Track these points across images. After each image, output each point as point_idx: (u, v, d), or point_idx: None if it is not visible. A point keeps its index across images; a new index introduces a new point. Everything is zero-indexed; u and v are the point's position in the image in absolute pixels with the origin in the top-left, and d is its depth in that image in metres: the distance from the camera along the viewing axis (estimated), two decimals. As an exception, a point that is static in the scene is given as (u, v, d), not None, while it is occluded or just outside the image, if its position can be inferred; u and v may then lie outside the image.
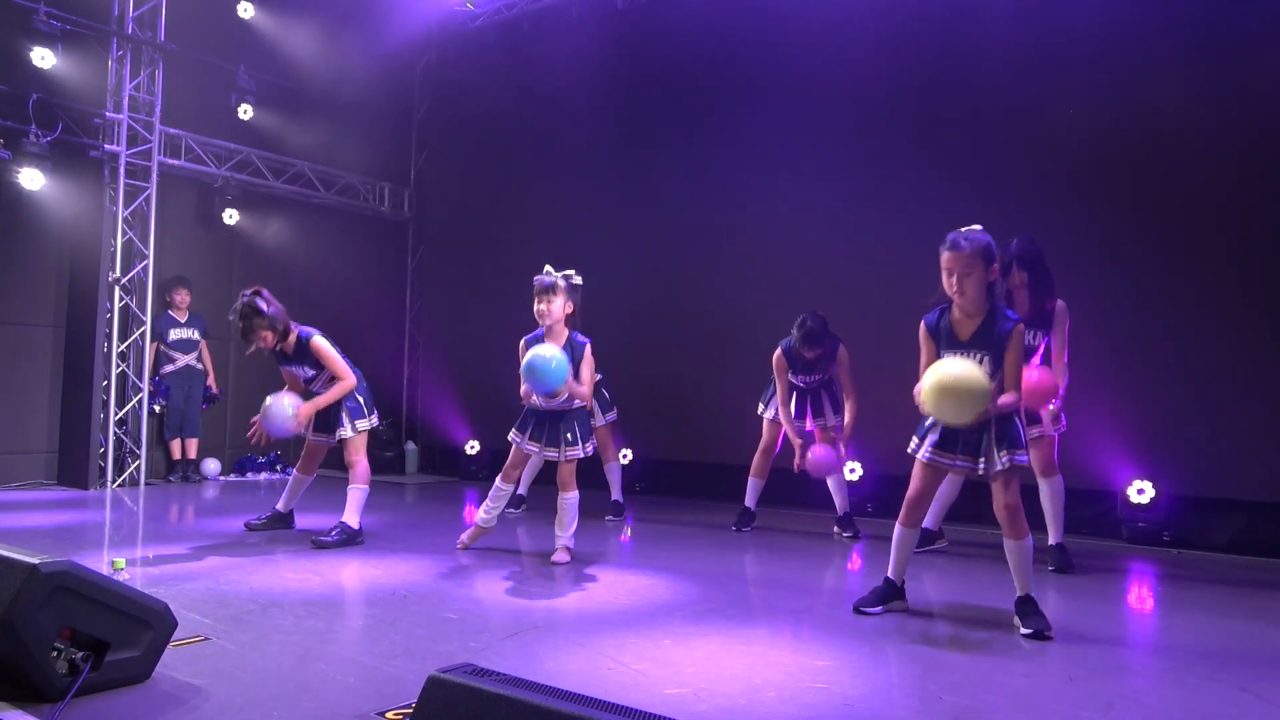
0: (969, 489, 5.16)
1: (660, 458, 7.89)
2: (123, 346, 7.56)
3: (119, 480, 7.43)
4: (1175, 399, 5.64)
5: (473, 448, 8.98)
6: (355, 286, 9.23)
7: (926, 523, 5.11)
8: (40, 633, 2.35)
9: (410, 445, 9.61)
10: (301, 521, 5.55)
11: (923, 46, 6.69)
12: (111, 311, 7.45)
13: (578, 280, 4.68)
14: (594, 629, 3.37)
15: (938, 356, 3.51)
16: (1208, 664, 3.10)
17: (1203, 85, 5.65)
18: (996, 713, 2.56)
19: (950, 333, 3.54)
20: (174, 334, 7.99)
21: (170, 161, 7.98)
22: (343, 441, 5.12)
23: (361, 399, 5.16)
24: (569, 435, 4.63)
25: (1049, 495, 4.73)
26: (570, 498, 4.71)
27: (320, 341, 5.07)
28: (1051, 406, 4.53)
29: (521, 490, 6.47)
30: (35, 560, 2.38)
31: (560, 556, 4.66)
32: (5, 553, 2.46)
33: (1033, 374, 4.28)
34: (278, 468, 8.79)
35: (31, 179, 7.01)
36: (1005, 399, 3.41)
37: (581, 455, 4.66)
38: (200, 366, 8.14)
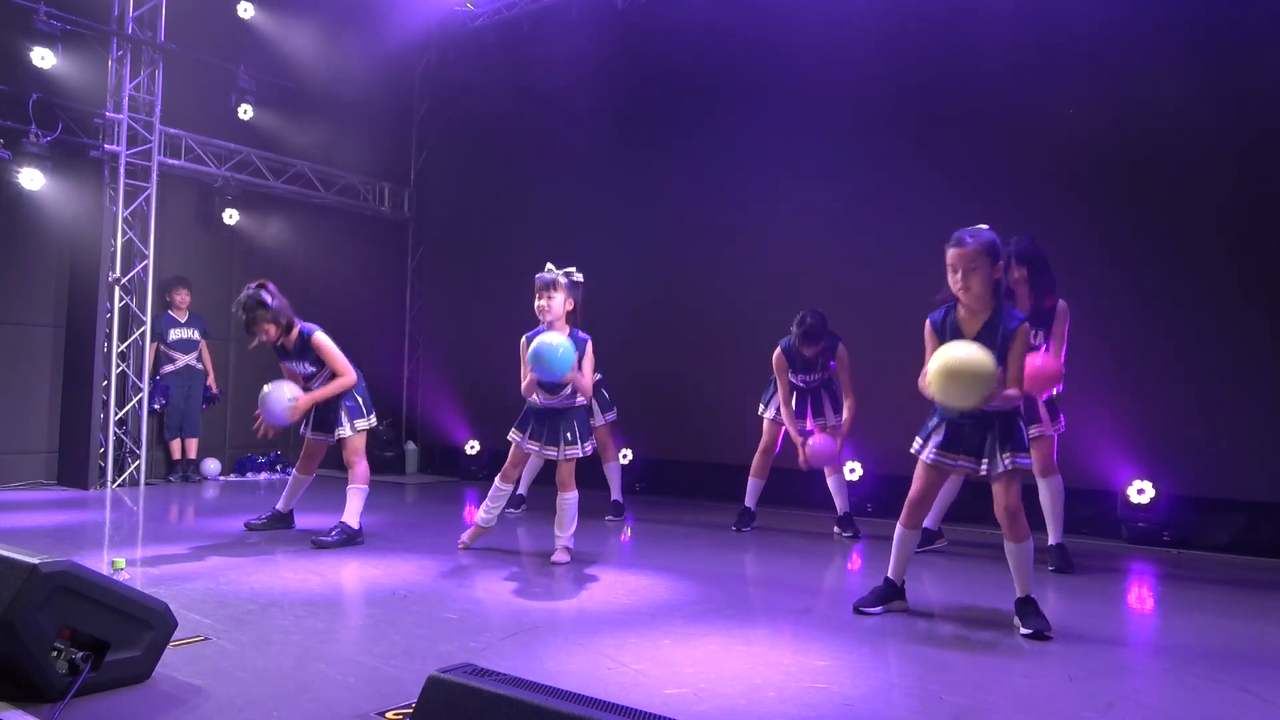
0: (968, 489, 5.16)
1: (660, 458, 7.89)
2: (123, 346, 7.56)
3: (119, 480, 7.43)
4: (1175, 399, 5.64)
5: (473, 448, 8.98)
6: (355, 286, 9.23)
7: (926, 523, 5.11)
8: (40, 633, 2.35)
9: (410, 445, 9.61)
10: (301, 521, 5.55)
11: (923, 46, 6.69)
12: (111, 311, 7.45)
13: (579, 277, 4.69)
14: (594, 629, 3.37)
15: None
16: (1208, 664, 3.10)
17: (1203, 85, 5.65)
18: (996, 713, 2.56)
19: (955, 330, 3.53)
20: (174, 334, 7.99)
21: (170, 161, 7.98)
22: (341, 441, 5.12)
23: (360, 399, 5.16)
24: (568, 434, 4.63)
25: (1048, 495, 4.73)
26: (570, 498, 4.71)
27: (322, 337, 5.07)
28: (1055, 391, 4.51)
29: (521, 490, 6.47)
30: (35, 560, 2.38)
31: (560, 557, 4.66)
32: (5, 553, 2.46)
33: (1036, 359, 4.27)
34: (278, 468, 8.79)
35: (31, 179, 7.01)
36: (1009, 392, 3.40)
37: (580, 455, 4.66)
38: (200, 366, 8.14)
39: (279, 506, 5.44)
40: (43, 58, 6.90)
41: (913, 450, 3.65)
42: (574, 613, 3.65)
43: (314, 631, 3.23)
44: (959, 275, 3.48)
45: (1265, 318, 5.42)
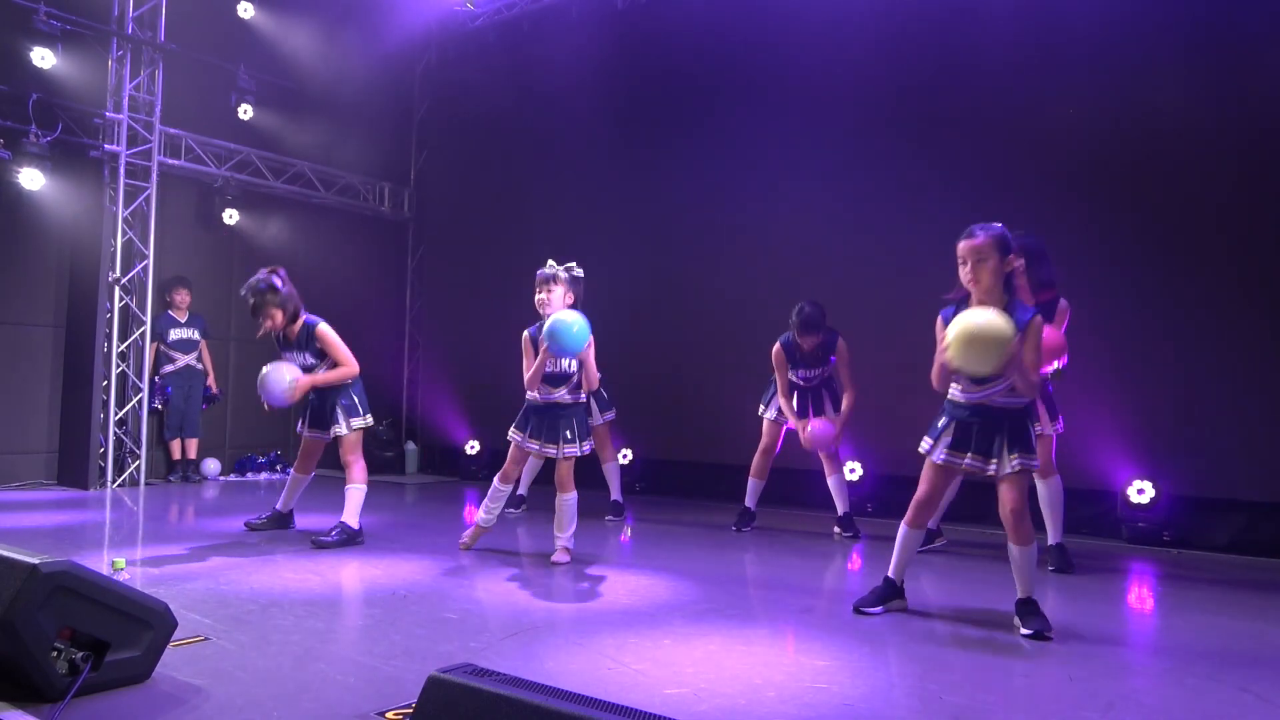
0: (969, 489, 5.16)
1: (660, 458, 7.89)
2: (123, 346, 7.56)
3: (119, 480, 7.43)
4: (1175, 399, 5.64)
5: (473, 448, 8.98)
6: (355, 286, 9.22)
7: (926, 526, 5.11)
8: (40, 633, 2.35)
9: (410, 445, 9.61)
10: (301, 521, 5.55)
11: (923, 46, 6.69)
12: (111, 311, 7.45)
13: (579, 273, 4.71)
14: (594, 629, 3.37)
15: None
16: (1208, 664, 3.10)
17: (1203, 85, 5.65)
18: (996, 713, 2.56)
19: None
20: (174, 334, 7.99)
21: (170, 161, 7.99)
22: (338, 440, 5.11)
23: (357, 398, 5.15)
24: (568, 433, 4.63)
25: (1048, 495, 4.73)
26: (569, 498, 4.71)
27: (327, 329, 5.08)
28: (1056, 365, 4.48)
29: (521, 490, 6.48)
30: (35, 560, 2.38)
31: (560, 557, 4.66)
32: (5, 553, 2.46)
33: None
34: (277, 468, 8.79)
35: (31, 179, 7.01)
36: (1028, 371, 3.37)
37: (579, 454, 4.67)
38: (200, 366, 8.14)
39: (279, 506, 5.44)
40: (43, 58, 6.90)
41: (921, 450, 3.63)
42: (574, 613, 3.65)
43: (314, 631, 3.23)
44: (969, 268, 3.47)
45: (1265, 318, 5.42)
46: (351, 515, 5.04)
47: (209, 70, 8.25)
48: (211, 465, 8.35)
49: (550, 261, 4.70)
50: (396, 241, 10.15)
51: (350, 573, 4.37)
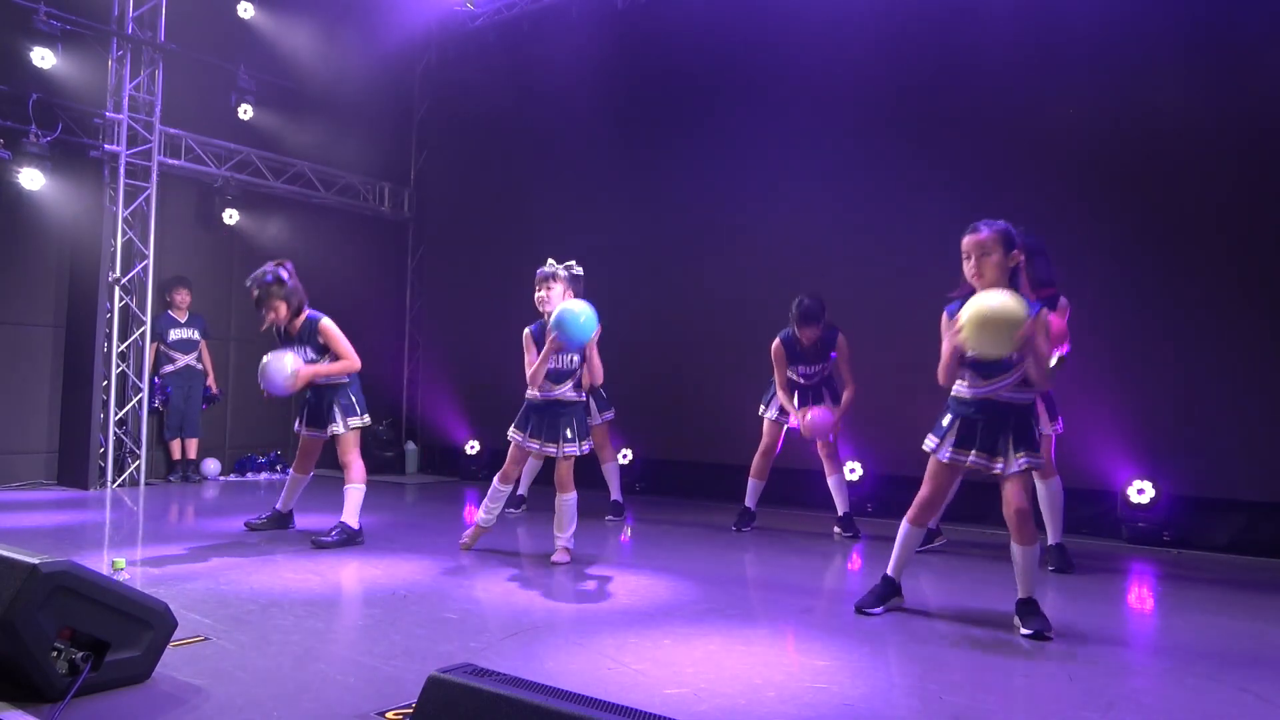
0: (969, 489, 5.15)
1: (660, 458, 7.89)
2: (123, 346, 7.56)
3: (119, 480, 7.43)
4: (1175, 399, 5.64)
5: (473, 448, 8.98)
6: (355, 286, 9.22)
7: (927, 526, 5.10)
8: (40, 633, 2.35)
9: (410, 445, 9.61)
10: (301, 521, 5.55)
11: (923, 46, 6.69)
12: (111, 311, 7.45)
13: (578, 271, 4.72)
14: (594, 629, 3.37)
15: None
16: (1208, 664, 3.10)
17: (1203, 85, 5.65)
18: (996, 713, 2.56)
19: None
20: (174, 334, 7.99)
21: (170, 161, 7.99)
22: (335, 439, 5.11)
23: (354, 398, 5.14)
24: (568, 432, 4.63)
25: (1047, 496, 4.72)
26: (569, 499, 4.71)
27: (330, 323, 5.08)
28: (1059, 354, 4.46)
29: (521, 491, 6.48)
30: (35, 560, 2.38)
31: (560, 557, 4.66)
32: (5, 553, 2.46)
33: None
34: (277, 468, 8.79)
35: (31, 179, 7.01)
36: (1041, 357, 3.36)
37: (579, 453, 4.67)
38: (200, 367, 8.14)
39: (279, 506, 5.44)
40: (43, 58, 6.90)
41: (926, 448, 3.61)
42: (574, 613, 3.65)
43: (314, 631, 3.23)
44: (972, 262, 3.47)
45: (1265, 318, 5.42)
46: (351, 515, 5.04)
47: (209, 70, 8.25)
48: (211, 465, 8.35)
49: (550, 260, 4.72)
50: (396, 241, 10.15)
51: (350, 573, 4.37)
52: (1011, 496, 3.47)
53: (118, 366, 7.51)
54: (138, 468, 7.54)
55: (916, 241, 6.43)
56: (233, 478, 8.51)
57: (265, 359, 4.88)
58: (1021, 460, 3.43)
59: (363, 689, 2.61)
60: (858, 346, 5.75)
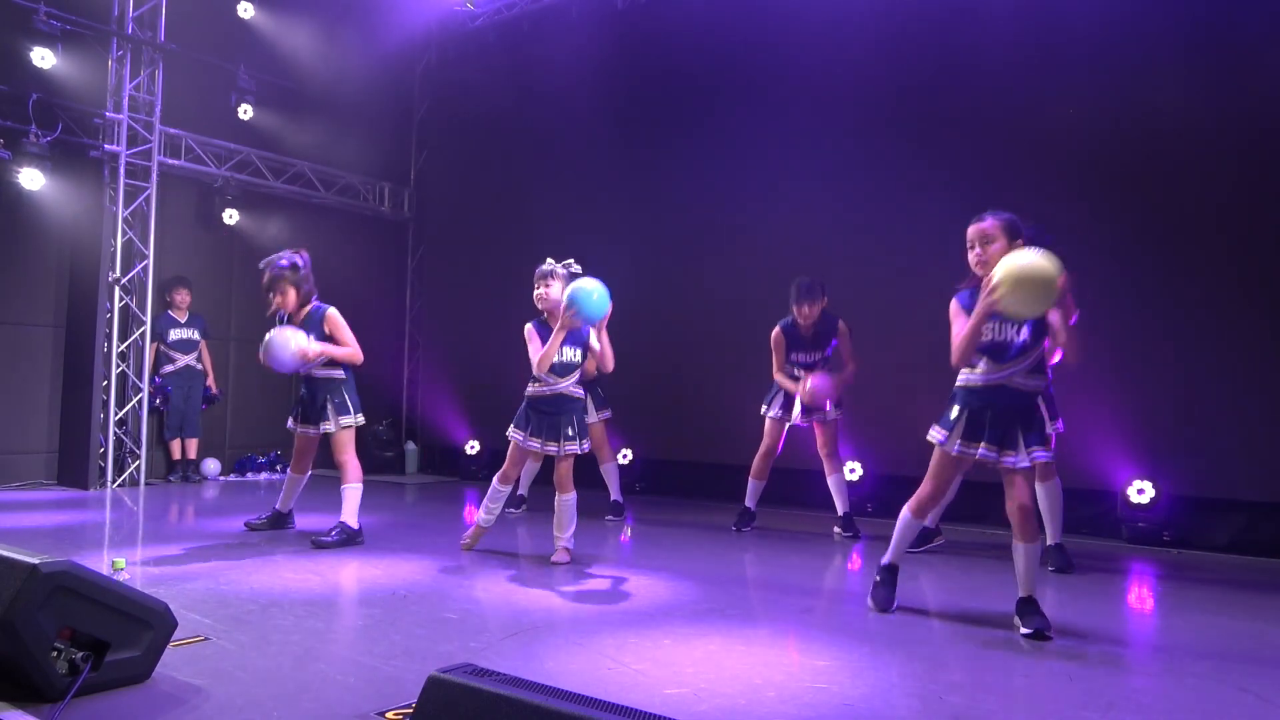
0: (969, 489, 5.15)
1: (660, 458, 7.89)
2: (123, 346, 7.56)
3: (119, 480, 7.43)
4: (1175, 399, 5.64)
5: (473, 448, 8.98)
6: (355, 286, 9.20)
7: (925, 520, 5.10)
8: (40, 633, 2.35)
9: (410, 445, 9.61)
10: (301, 521, 5.55)
11: (923, 46, 6.69)
12: (111, 311, 7.45)
13: (577, 269, 4.73)
14: (594, 629, 3.37)
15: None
16: (1208, 664, 3.10)
17: (1203, 85, 5.65)
18: (996, 713, 2.56)
19: None
20: (174, 334, 7.99)
21: (170, 161, 7.99)
22: (329, 439, 5.10)
23: (348, 397, 5.13)
24: (569, 430, 4.64)
25: (1047, 496, 4.72)
26: (568, 499, 4.71)
27: (337, 314, 5.09)
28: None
29: (521, 491, 6.48)
30: (35, 560, 2.38)
31: (560, 557, 4.66)
32: (5, 553, 2.46)
33: None
34: (277, 468, 8.79)
35: (31, 179, 7.01)
36: (1068, 327, 3.34)
37: (579, 452, 4.67)
38: (200, 367, 8.14)
39: (278, 506, 5.44)
40: (43, 58, 6.90)
41: (932, 440, 3.57)
42: (574, 613, 3.65)
43: (314, 631, 3.23)
44: (976, 250, 3.47)
45: (1265, 318, 5.42)
46: (350, 515, 5.03)
47: (209, 70, 8.25)
48: (211, 465, 8.35)
49: (549, 259, 4.74)
50: (396, 241, 10.15)
51: (350, 573, 4.37)
52: (1017, 492, 3.45)
53: (118, 366, 7.51)
54: (138, 468, 7.54)
55: (916, 241, 6.43)
56: (233, 478, 8.51)
57: (269, 335, 4.89)
58: (1037, 454, 3.41)
59: (363, 689, 2.61)
60: (858, 347, 5.76)
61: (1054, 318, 3.38)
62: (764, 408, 5.89)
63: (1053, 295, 3.18)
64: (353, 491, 5.08)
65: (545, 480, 5.59)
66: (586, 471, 5.80)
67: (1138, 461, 5.68)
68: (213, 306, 8.46)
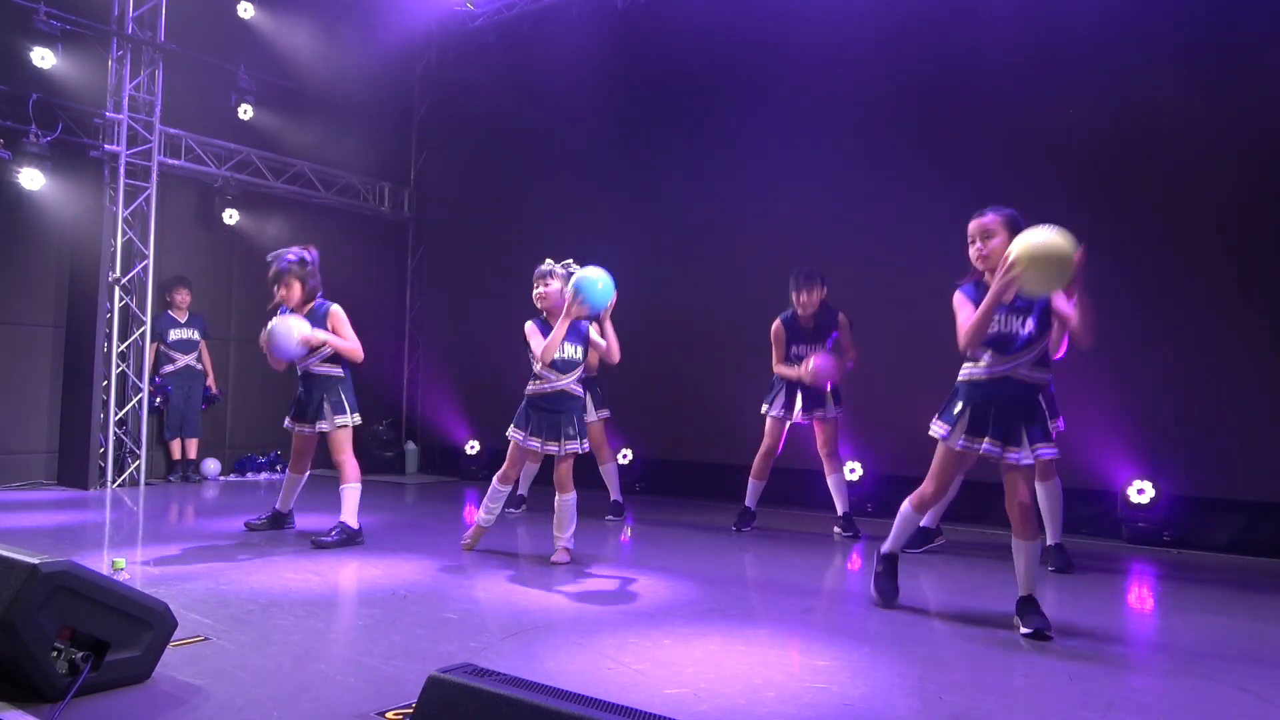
0: (969, 489, 5.15)
1: (660, 458, 7.89)
2: (123, 346, 7.56)
3: (119, 480, 7.43)
4: (1175, 399, 5.64)
5: (473, 448, 8.98)
6: (355, 286, 9.18)
7: (926, 520, 5.11)
8: (40, 633, 2.35)
9: (410, 445, 9.61)
10: (301, 521, 5.55)
11: (923, 46, 6.69)
12: (111, 311, 7.45)
13: (576, 268, 4.73)
14: (594, 629, 3.37)
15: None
16: (1208, 664, 3.10)
17: (1203, 85, 5.65)
18: (996, 713, 2.56)
19: None
20: (174, 334, 7.99)
21: (170, 161, 7.99)
22: (326, 439, 5.10)
23: (345, 396, 5.12)
24: (569, 430, 4.64)
25: (1047, 496, 4.72)
26: (568, 499, 4.71)
27: (340, 310, 5.10)
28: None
29: (521, 491, 6.48)
30: (35, 560, 2.38)
31: (560, 557, 4.66)
32: (5, 553, 2.46)
33: None
34: (277, 468, 8.79)
35: (31, 179, 7.01)
36: (1086, 305, 3.33)
37: (580, 451, 4.67)
38: (200, 367, 8.14)
39: (278, 506, 5.44)
40: (43, 58, 6.90)
41: (935, 435, 3.55)
42: (574, 613, 3.65)
43: (314, 631, 3.23)
44: (978, 245, 3.47)
45: (1265, 318, 5.42)
46: (350, 515, 5.03)
47: (209, 70, 8.25)
48: (211, 465, 8.35)
49: (548, 260, 4.75)
50: (396, 241, 10.15)
51: (350, 573, 4.37)
52: (1018, 489, 3.44)
53: (118, 366, 7.51)
54: (138, 468, 7.54)
55: (916, 241, 6.43)
56: (233, 478, 8.51)
57: (271, 323, 4.89)
58: (1042, 450, 3.41)
59: (363, 689, 2.61)
60: (858, 345, 5.75)
61: (1061, 305, 3.38)
62: (765, 406, 5.89)
63: (1069, 271, 3.16)
64: (351, 491, 5.08)
65: (545, 480, 5.59)
66: (586, 471, 5.81)
67: (1138, 461, 5.68)
68: (213, 306, 8.47)
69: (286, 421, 5.22)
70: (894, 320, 6.40)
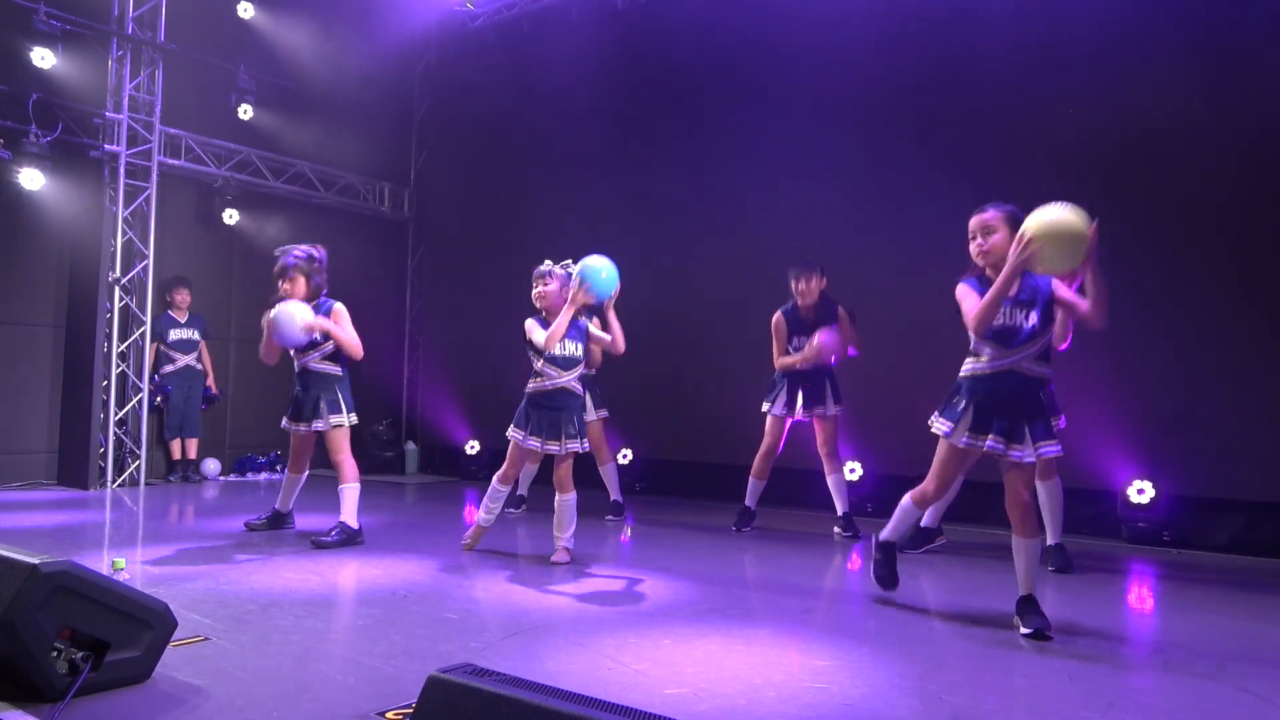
0: (969, 489, 5.15)
1: (660, 458, 7.89)
2: (123, 346, 7.56)
3: (119, 480, 7.43)
4: (1175, 399, 5.64)
5: (473, 448, 8.98)
6: (355, 286, 9.16)
7: (926, 521, 5.12)
8: (40, 633, 2.35)
9: (410, 445, 9.61)
10: (301, 522, 5.55)
11: (923, 46, 6.69)
12: (111, 311, 7.45)
13: (575, 269, 4.73)
14: (594, 629, 3.37)
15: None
16: (1208, 664, 3.10)
17: (1203, 85, 5.65)
18: (996, 713, 2.56)
19: None
20: (174, 334, 7.99)
21: (170, 161, 7.99)
22: (325, 439, 5.10)
23: (341, 396, 5.12)
24: (569, 429, 4.64)
25: (1047, 496, 4.72)
26: (568, 499, 4.72)
27: (343, 309, 5.13)
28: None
29: (521, 490, 6.48)
30: (35, 560, 2.38)
31: (560, 557, 4.66)
32: (5, 553, 2.46)
33: None
34: (277, 468, 8.79)
35: (31, 179, 7.01)
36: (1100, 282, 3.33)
37: (581, 450, 4.68)
38: (200, 367, 8.14)
39: (277, 506, 5.44)
40: (43, 58, 6.90)
41: (938, 432, 3.53)
42: (574, 613, 3.65)
43: (314, 631, 3.23)
44: (979, 241, 3.48)
45: (1265, 318, 5.42)
46: (349, 515, 5.03)
47: (209, 70, 8.25)
48: (211, 465, 8.35)
49: (547, 261, 4.78)
50: (396, 241, 10.15)
51: (350, 573, 4.37)
52: (1019, 487, 3.44)
53: (118, 366, 7.51)
54: (138, 468, 7.54)
55: (916, 241, 6.43)
56: (233, 478, 8.51)
57: (275, 310, 4.91)
58: (1045, 448, 3.41)
59: (363, 689, 2.61)
60: (858, 344, 5.76)
61: (1064, 294, 3.38)
62: (765, 405, 5.88)
63: (1083, 248, 3.17)
64: (350, 491, 5.08)
65: (545, 480, 5.59)
66: (586, 471, 5.81)
67: (1138, 461, 5.68)
68: (213, 306, 8.46)
69: (284, 422, 5.22)
70: (894, 320, 6.40)
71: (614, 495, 6.36)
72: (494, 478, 4.87)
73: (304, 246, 5.16)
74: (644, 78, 8.17)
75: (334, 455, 5.08)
